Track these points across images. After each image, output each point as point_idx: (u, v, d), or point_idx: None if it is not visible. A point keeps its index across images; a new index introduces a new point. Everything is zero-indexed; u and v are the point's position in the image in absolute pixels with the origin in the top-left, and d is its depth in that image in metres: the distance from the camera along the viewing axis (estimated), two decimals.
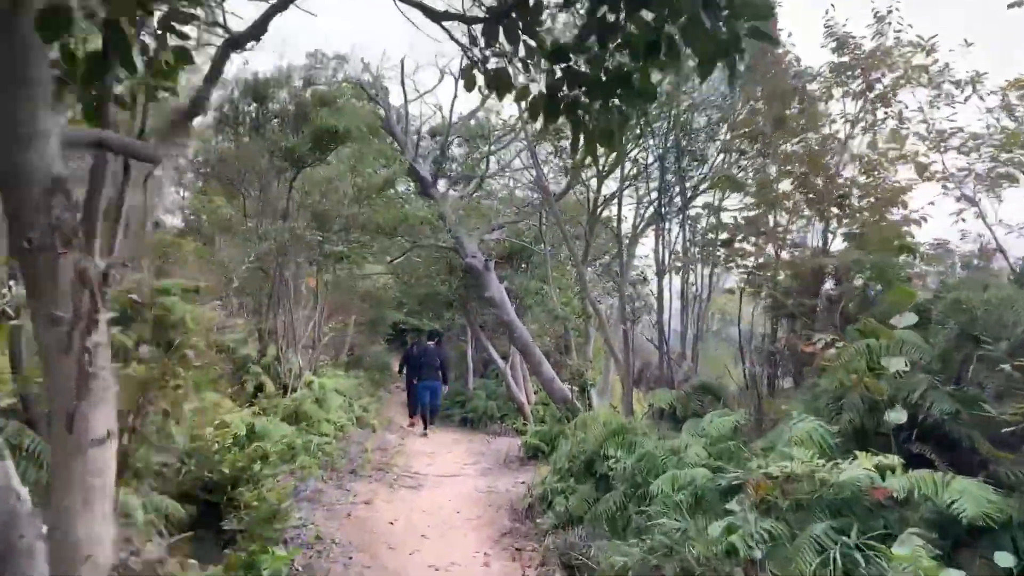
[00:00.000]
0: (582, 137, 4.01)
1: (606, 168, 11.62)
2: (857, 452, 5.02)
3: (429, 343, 15.79)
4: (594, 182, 12.14)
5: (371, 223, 11.19)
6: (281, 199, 10.64)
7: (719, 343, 11.88)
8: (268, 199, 10.55)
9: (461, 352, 21.64)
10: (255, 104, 10.68)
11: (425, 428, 15.19)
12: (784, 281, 7.29)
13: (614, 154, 9.49)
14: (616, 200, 11.48)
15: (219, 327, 11.23)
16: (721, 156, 9.17)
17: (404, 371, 16.07)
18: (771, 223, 7.33)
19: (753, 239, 7.59)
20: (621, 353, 9.73)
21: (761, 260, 7.56)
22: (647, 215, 12.08)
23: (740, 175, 7.76)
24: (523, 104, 4.15)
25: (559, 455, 8.92)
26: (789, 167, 7.10)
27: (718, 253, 8.12)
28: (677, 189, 9.62)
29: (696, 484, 6.02)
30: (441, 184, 14.35)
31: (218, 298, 11.89)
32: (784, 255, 7.33)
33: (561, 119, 4.03)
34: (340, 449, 10.44)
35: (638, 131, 9.77)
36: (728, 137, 8.75)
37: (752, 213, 8.13)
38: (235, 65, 10.36)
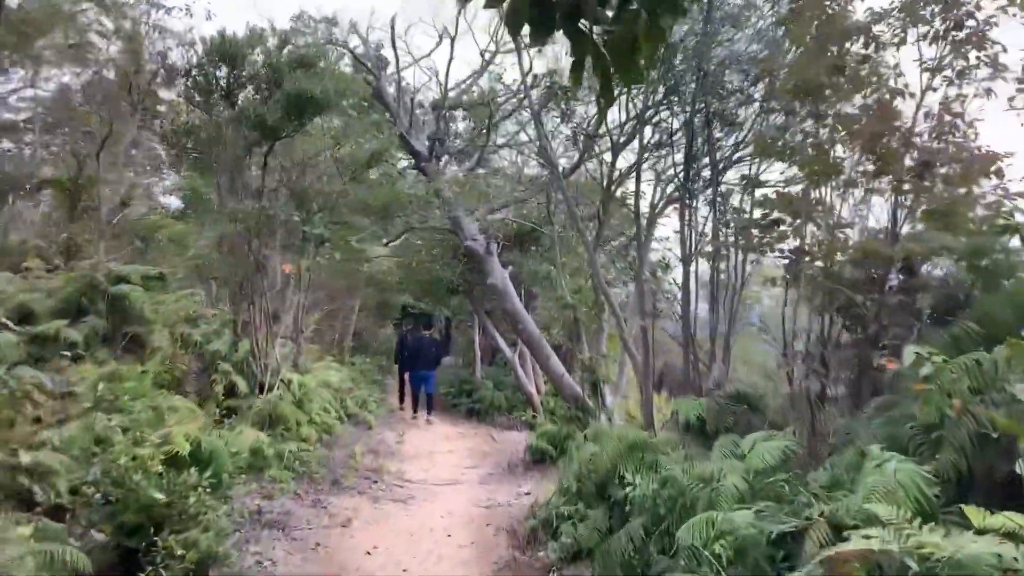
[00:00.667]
0: (589, 62, 2.57)
1: (622, 136, 10.13)
2: (966, 508, 3.59)
3: (424, 332, 15.61)
4: (608, 156, 10.67)
5: (357, 202, 9.79)
6: (255, 176, 9.24)
7: (752, 340, 10.37)
8: (241, 176, 9.12)
9: (468, 339, 20.29)
10: (225, 68, 9.25)
11: (428, 414, 14.96)
12: (839, 269, 5.82)
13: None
14: (635, 172, 9.94)
15: (190, 318, 9.92)
16: (760, 119, 7.65)
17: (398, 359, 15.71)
18: (823, 198, 5.83)
19: (797, 218, 6.09)
20: (640, 352, 8.31)
21: (809, 243, 6.07)
22: (669, 191, 10.61)
23: (783, 142, 6.25)
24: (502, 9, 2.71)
25: (567, 474, 7.52)
26: (850, 128, 5.58)
27: (755, 235, 6.63)
28: (706, 160, 8.12)
29: (738, 533, 4.60)
30: (440, 160, 12.88)
31: (192, 286, 10.59)
32: (839, 236, 5.85)
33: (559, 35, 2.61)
34: (321, 457, 9.10)
35: (661, 90, 8.35)
36: (768, 95, 7.24)
37: (797, 187, 6.65)
38: (206, 25, 8.96)
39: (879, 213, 6.04)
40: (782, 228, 6.41)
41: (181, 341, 8.90)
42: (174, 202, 20.16)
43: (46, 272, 9.63)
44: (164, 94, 9.69)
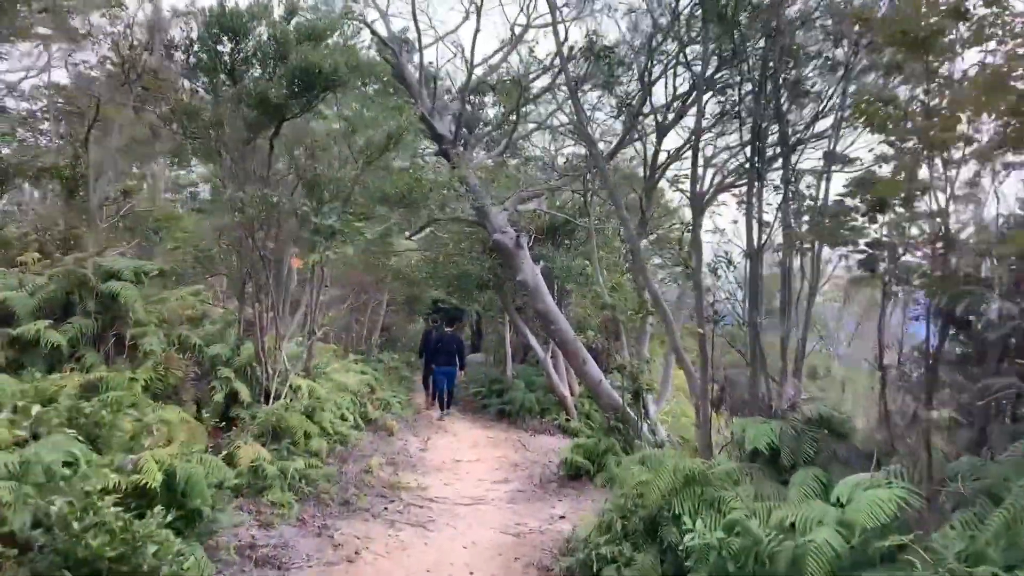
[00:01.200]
0: None
1: (670, 112, 8.89)
2: None
3: (447, 329, 15.24)
4: (653, 137, 9.44)
5: (373, 191, 8.72)
6: (260, 162, 8.20)
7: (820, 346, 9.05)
8: (244, 162, 8.09)
9: (499, 336, 19.18)
10: (228, 43, 8.21)
11: (442, 413, 14.72)
12: (962, 265, 4.54)
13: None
14: (691, 148, 8.62)
15: (195, 318, 8.95)
16: (847, 81, 6.30)
17: (423, 355, 15.53)
18: (939, 177, 4.54)
19: (903, 203, 4.81)
20: (694, 364, 7.06)
21: (918, 234, 4.79)
22: (725, 173, 9.34)
23: (890, 103, 4.94)
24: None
25: (609, 505, 6.34)
26: (980, 87, 4.30)
27: (841, 223, 5.34)
28: (776, 136, 6.81)
29: None
30: (465, 145, 11.68)
31: (202, 283, 9.62)
32: (961, 224, 4.58)
33: None
34: (331, 473, 8.04)
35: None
36: (857, 50, 5.91)
37: (889, 166, 5.36)
38: None
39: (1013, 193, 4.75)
40: (877, 215, 5.14)
41: (178, 344, 7.91)
42: (200, 191, 19.46)
43: (44, 267, 8.75)
44: (163, 73, 8.63)
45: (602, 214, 11.40)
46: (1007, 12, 4.64)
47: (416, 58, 11.27)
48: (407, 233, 12.76)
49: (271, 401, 8.16)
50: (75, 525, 4.01)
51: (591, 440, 9.64)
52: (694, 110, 9.00)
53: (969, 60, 4.94)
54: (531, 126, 12.48)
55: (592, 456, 9.42)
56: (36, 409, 5.20)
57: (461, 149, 10.68)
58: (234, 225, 7.63)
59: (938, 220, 4.41)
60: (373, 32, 10.66)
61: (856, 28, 5.64)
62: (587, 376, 9.80)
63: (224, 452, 6.94)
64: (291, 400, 8.33)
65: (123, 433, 5.88)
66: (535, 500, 8.89)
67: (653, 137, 9.21)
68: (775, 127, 6.75)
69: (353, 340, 19.81)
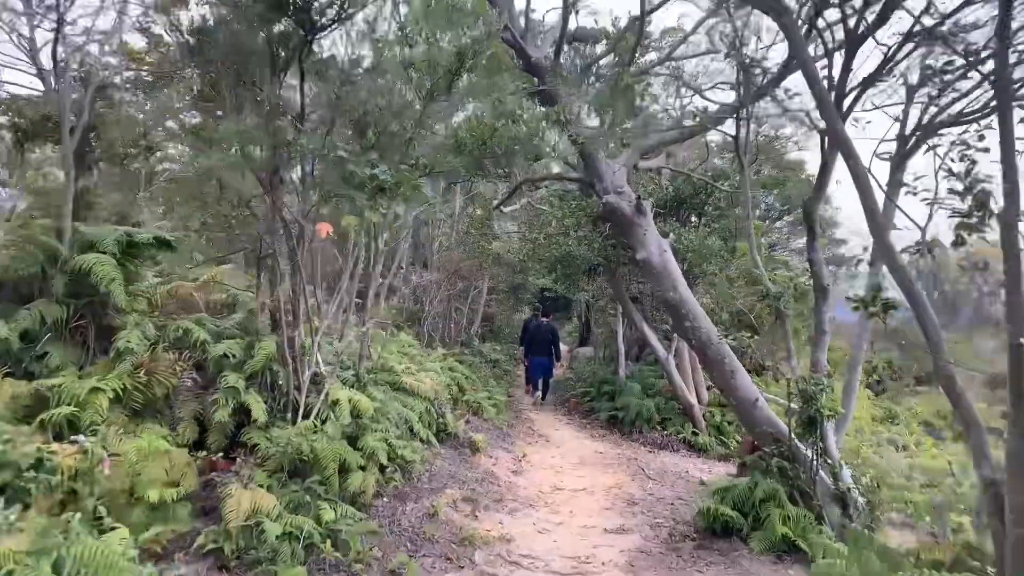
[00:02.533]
0: None
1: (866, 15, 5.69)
2: None
3: (543, 319, 14.37)
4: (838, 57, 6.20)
5: (439, 137, 6.15)
6: (284, 93, 5.73)
7: None
8: (263, 91, 5.64)
9: (610, 330, 16.22)
10: None
11: (539, 397, 14.35)
12: None
13: None
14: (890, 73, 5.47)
15: (218, 304, 6.67)
16: None
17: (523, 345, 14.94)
18: None
19: None
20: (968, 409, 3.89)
21: None
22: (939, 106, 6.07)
23: None
24: None
25: None
26: None
27: None
28: None
29: None
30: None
31: (224, 260, 7.35)
32: None
33: None
34: (371, 529, 5.48)
35: None
36: None
37: None
38: None
39: None
40: None
41: (174, 340, 5.61)
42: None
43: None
44: None
45: (747, 178, 8.17)
46: None
47: None
48: (494, 202, 10.06)
49: (299, 419, 5.71)
50: None
51: (742, 484, 6.57)
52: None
53: None
54: (652, 55, 9.36)
55: (744, 506, 6.38)
56: None
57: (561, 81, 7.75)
58: (233, 168, 5.18)
59: None
60: None
61: None
62: (736, 393, 6.72)
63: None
64: (327, 417, 5.84)
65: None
66: (664, 569, 5.98)
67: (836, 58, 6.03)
68: None
69: (452, 330, 17.50)
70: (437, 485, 7.01)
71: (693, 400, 11.95)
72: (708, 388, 12.83)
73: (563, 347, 25.41)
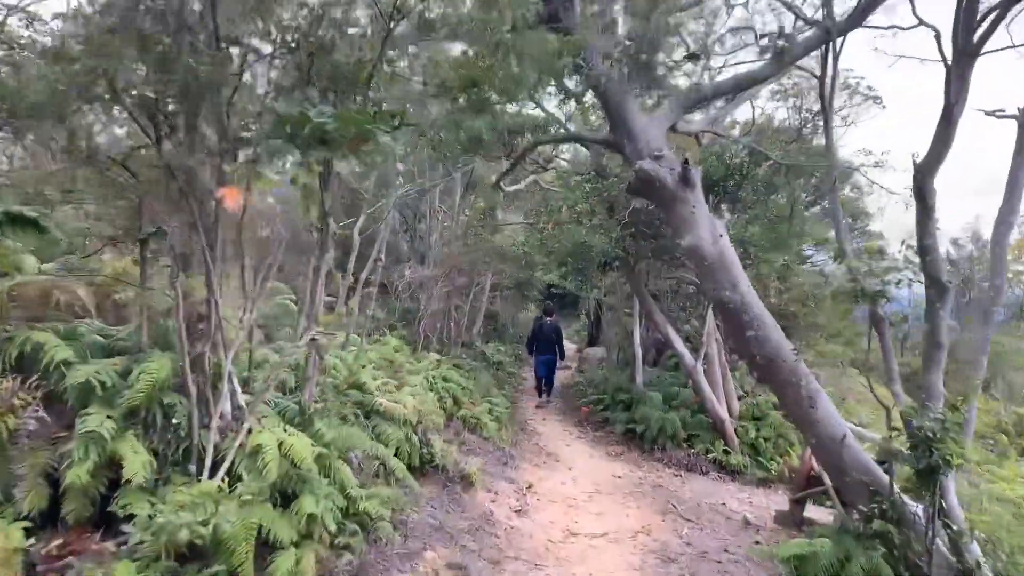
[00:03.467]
0: None
1: None
2: None
3: (547, 318, 13.59)
4: None
5: (404, 78, 4.29)
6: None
7: None
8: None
9: (625, 331, 14.32)
10: None
11: (541, 396, 13.84)
12: None
13: None
14: None
15: (109, 306, 4.81)
16: None
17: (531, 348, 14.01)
18: None
19: None
20: None
21: None
22: None
23: None
24: None
25: None
26: None
27: None
28: None
29: None
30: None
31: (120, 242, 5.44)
32: None
33: None
34: None
35: None
36: None
37: None
38: None
39: None
40: None
41: (11, 362, 3.75)
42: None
43: None
44: None
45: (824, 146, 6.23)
46: None
47: None
48: (493, 177, 8.19)
49: (207, 473, 3.85)
50: None
51: (825, 551, 4.67)
52: None
53: None
54: None
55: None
56: None
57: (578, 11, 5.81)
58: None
59: None
60: None
61: None
62: (816, 427, 4.77)
63: None
64: (251, 469, 3.98)
65: None
66: None
67: None
68: None
69: (452, 330, 15.65)
70: (415, 546, 5.14)
71: (724, 414, 10.05)
72: (739, 399, 10.92)
73: (572, 346, 23.71)
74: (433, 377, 9.33)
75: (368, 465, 5.32)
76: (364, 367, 6.95)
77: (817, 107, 10.02)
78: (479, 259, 14.53)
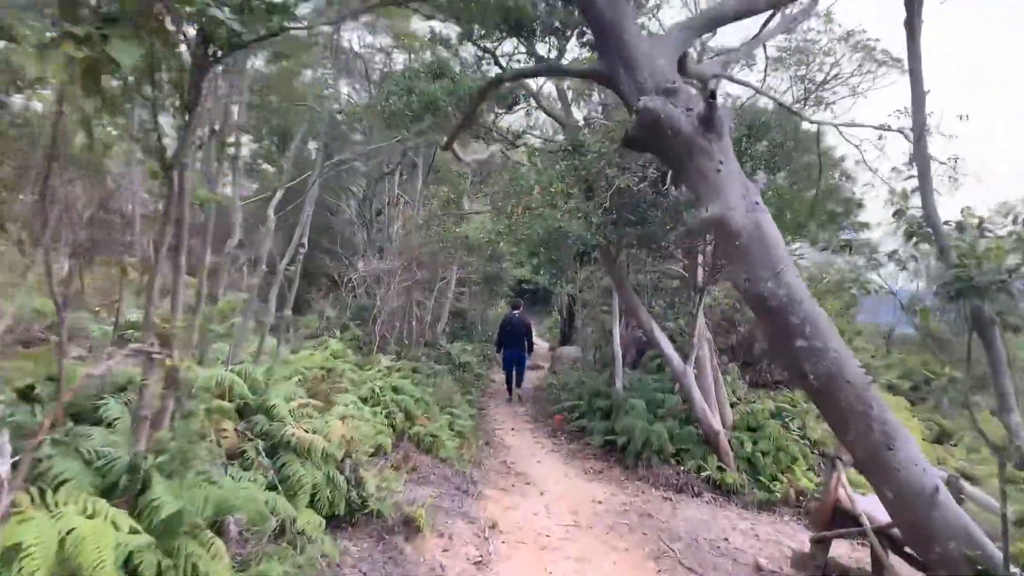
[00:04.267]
0: None
1: None
2: None
3: (514, 312, 13.26)
4: None
5: None
6: None
7: None
8: None
9: (603, 329, 12.82)
10: None
11: (511, 394, 13.22)
12: None
13: None
14: None
15: None
16: None
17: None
18: None
19: None
20: None
21: None
22: None
23: None
24: None
25: None
26: None
27: None
28: None
29: None
30: None
31: None
32: None
33: None
34: None
35: None
36: None
37: None
38: None
39: None
40: None
41: None
42: None
43: None
44: None
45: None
46: None
47: None
48: (443, 140, 6.57)
49: None
50: None
51: None
52: None
53: None
54: None
55: None
56: None
57: None
58: None
59: None
60: None
61: None
62: (894, 476, 3.19)
63: None
64: None
65: None
66: None
67: None
68: None
69: (414, 329, 14.00)
70: None
71: (717, 425, 8.60)
72: (732, 406, 9.48)
73: (544, 344, 22.17)
74: (380, 388, 7.71)
75: (262, 527, 3.69)
76: (280, 383, 5.29)
77: (820, 77, 8.57)
78: (442, 251, 12.91)
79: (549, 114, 8.57)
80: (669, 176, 8.06)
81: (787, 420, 8.93)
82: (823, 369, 3.14)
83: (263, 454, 4.36)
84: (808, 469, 8.31)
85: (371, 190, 13.51)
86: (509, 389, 13.11)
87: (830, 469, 5.68)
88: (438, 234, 12.60)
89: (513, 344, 12.79)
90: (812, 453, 8.54)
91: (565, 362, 16.11)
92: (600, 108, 9.08)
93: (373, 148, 10.12)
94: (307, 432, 4.64)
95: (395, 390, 7.96)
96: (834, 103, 8.66)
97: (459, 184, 12.66)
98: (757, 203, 3.30)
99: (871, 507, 5.00)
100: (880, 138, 7.00)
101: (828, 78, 8.43)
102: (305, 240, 5.41)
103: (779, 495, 7.85)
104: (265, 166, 15.77)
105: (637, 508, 7.40)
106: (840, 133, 7.10)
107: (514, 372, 13.10)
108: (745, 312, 10.38)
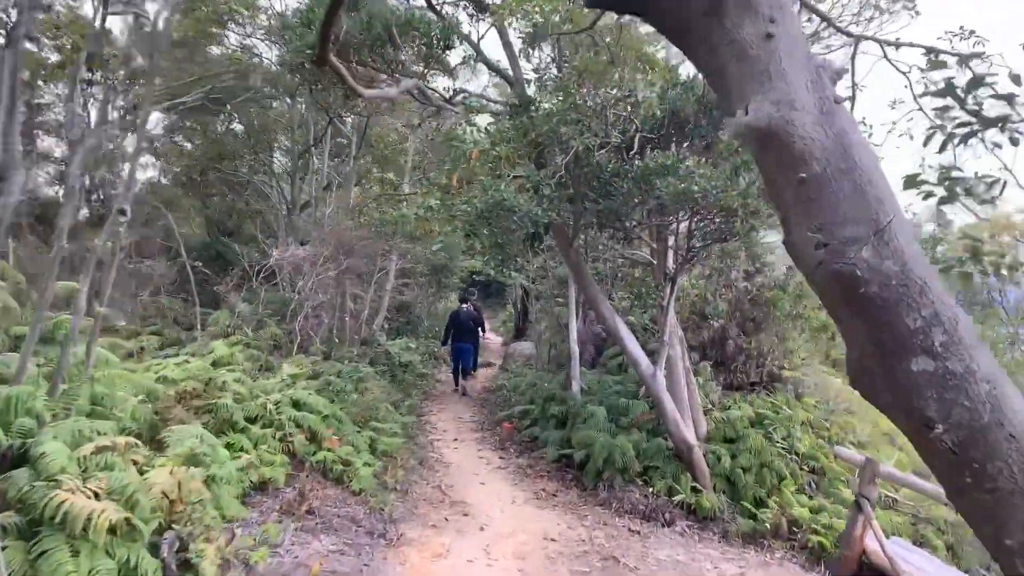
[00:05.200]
0: None
1: None
2: None
3: (464, 305, 12.58)
4: None
5: None
6: None
7: None
8: None
9: (558, 324, 11.22)
10: None
11: (456, 385, 12.43)
12: None
13: None
14: None
15: None
16: None
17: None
18: None
19: None
20: None
21: None
22: None
23: None
24: None
25: None
26: None
27: None
28: None
29: None
30: None
31: None
32: None
33: None
34: None
35: None
36: None
37: None
38: None
39: None
40: None
41: None
42: None
43: None
44: None
45: None
46: None
47: None
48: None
49: None
50: None
51: None
52: None
53: None
54: None
55: None
56: None
57: None
58: None
59: None
60: None
61: None
62: None
63: None
64: None
65: None
66: None
67: None
68: None
69: (349, 325, 12.18)
70: None
71: (692, 437, 7.10)
72: (706, 413, 7.99)
73: (497, 339, 20.50)
74: (277, 403, 5.92)
75: None
76: (80, 414, 3.47)
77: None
78: (378, 236, 11.11)
79: (492, 68, 6.89)
80: (637, 141, 6.48)
81: (770, 429, 7.48)
82: (964, 415, 1.60)
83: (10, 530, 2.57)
84: (798, 490, 6.86)
85: (295, 167, 11.59)
86: (456, 381, 12.42)
87: (855, 512, 4.17)
88: (373, 218, 10.80)
89: (462, 337, 12.07)
90: (802, 470, 7.09)
91: (518, 359, 14.48)
92: (552, 61, 7.43)
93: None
94: (93, 495, 2.86)
95: (297, 405, 6.18)
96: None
97: (396, 161, 10.87)
98: (836, 101, 1.75)
99: (904, 554, 3.53)
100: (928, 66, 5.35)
101: None
102: (127, 208, 3.68)
103: (768, 524, 6.37)
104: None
105: (599, 548, 5.84)
106: (884, 54, 5.56)
107: (461, 367, 12.38)
108: (716, 304, 8.92)
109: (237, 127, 12.79)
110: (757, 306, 8.83)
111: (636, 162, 6.13)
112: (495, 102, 7.02)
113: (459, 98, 6.98)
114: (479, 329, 12.49)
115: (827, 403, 8.25)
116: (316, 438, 6.10)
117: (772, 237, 8.44)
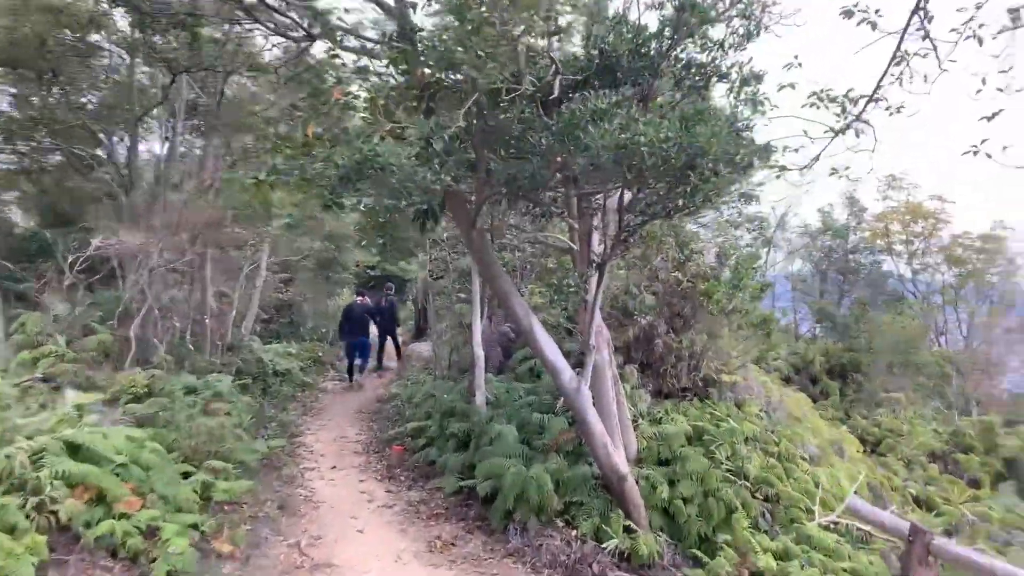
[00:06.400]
0: None
1: None
2: None
3: (358, 299, 12.30)
4: None
5: None
6: None
7: None
8: None
9: (459, 325, 9.52)
10: None
11: (351, 379, 11.85)
12: None
13: None
14: None
15: None
16: None
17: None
18: None
19: None
20: None
21: None
22: None
23: None
24: None
25: None
26: None
27: None
28: None
29: None
30: None
31: None
32: None
33: None
34: None
35: None
36: None
37: None
38: None
39: None
40: None
41: None
42: None
43: None
44: None
45: None
46: None
47: None
48: None
49: None
50: None
51: None
52: None
53: None
54: None
55: None
56: None
57: None
58: None
59: None
60: None
61: None
62: None
63: None
64: None
65: None
66: None
67: None
68: None
69: (212, 329, 9.90)
70: None
71: (624, 465, 5.64)
72: (634, 426, 6.56)
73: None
74: (37, 454, 3.87)
75: None
76: None
77: None
78: (240, 218, 8.96)
79: None
80: (557, 85, 4.91)
81: (712, 448, 6.16)
82: None
83: None
84: (752, 525, 5.55)
85: (133, 140, 9.21)
86: (350, 376, 11.91)
87: (909, 551, 2.80)
88: (230, 198, 8.66)
89: (355, 332, 11.78)
90: (755, 498, 5.78)
91: (416, 363, 12.67)
92: None
93: None
94: None
95: (74, 451, 4.13)
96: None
97: (263, 130, 8.77)
98: None
99: None
100: None
101: None
102: None
103: None
104: None
105: None
106: None
107: (355, 361, 11.97)
108: (643, 297, 7.58)
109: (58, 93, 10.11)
110: (687, 300, 7.55)
111: (558, 110, 4.55)
112: (371, 40, 5.20)
113: (318, 28, 5.10)
114: (374, 323, 12.29)
115: (772, 411, 7.09)
116: (103, 499, 4.08)
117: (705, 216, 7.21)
